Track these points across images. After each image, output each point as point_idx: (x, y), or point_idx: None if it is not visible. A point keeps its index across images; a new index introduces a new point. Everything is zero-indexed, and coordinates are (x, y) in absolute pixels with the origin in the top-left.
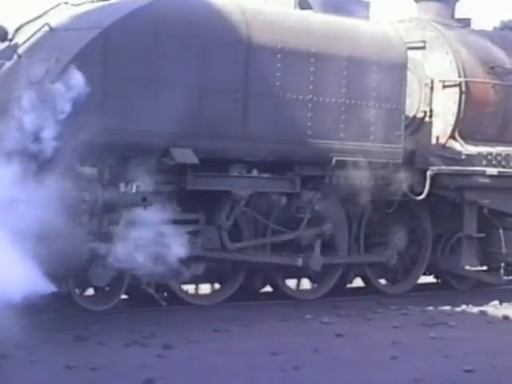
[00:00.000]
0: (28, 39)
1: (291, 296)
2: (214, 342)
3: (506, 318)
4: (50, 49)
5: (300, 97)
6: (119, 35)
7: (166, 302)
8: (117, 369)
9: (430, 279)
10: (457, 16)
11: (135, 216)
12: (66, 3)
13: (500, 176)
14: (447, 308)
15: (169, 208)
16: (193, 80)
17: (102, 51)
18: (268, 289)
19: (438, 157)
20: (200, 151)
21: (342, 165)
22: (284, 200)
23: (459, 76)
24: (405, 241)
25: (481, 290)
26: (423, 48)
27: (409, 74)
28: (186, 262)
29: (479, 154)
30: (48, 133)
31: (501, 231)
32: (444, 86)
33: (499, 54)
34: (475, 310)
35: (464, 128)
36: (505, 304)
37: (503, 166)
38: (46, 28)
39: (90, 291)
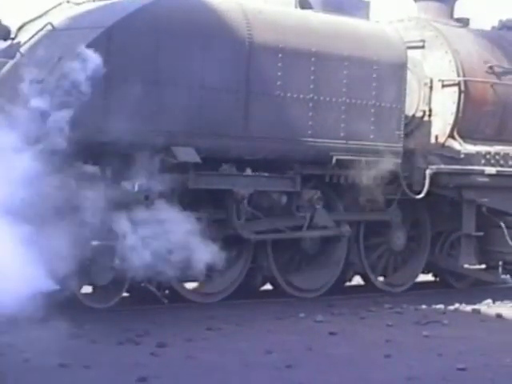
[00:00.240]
0: (31, 38)
1: (291, 294)
2: (208, 340)
3: (499, 316)
4: (52, 48)
5: (301, 96)
6: (122, 34)
7: (167, 300)
8: (110, 367)
9: (429, 278)
10: (455, 16)
11: (137, 214)
12: (68, 2)
13: (498, 175)
14: (441, 306)
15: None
16: (194, 79)
17: (105, 50)
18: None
19: (437, 156)
20: (201, 150)
21: (342, 164)
22: (284, 199)
23: (458, 75)
24: (404, 239)
25: (479, 289)
26: (422, 47)
27: (408, 73)
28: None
29: (478, 153)
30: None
31: (504, 229)
32: (443, 86)
33: (498, 54)
34: (468, 308)
35: (463, 127)
36: (498, 302)
37: (501, 165)
38: (49, 27)
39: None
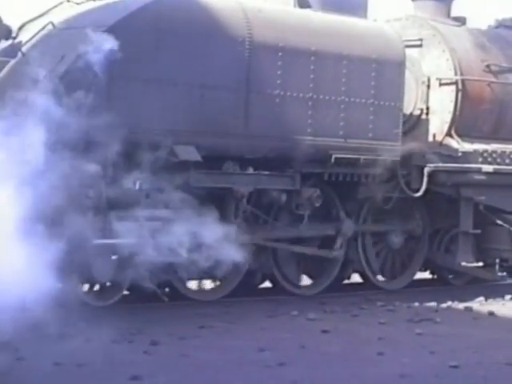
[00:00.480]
0: (32, 37)
1: (290, 292)
2: (201, 338)
3: (491, 313)
4: (54, 47)
5: (300, 95)
6: (123, 33)
7: (167, 298)
8: (103, 365)
9: (426, 275)
10: (452, 15)
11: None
12: (69, 1)
13: (496, 173)
14: (433, 304)
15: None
16: (195, 78)
17: (108, 49)
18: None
19: (435, 154)
20: (202, 149)
21: (341, 162)
22: (284, 197)
23: (456, 74)
24: (402, 237)
25: (471, 286)
26: (420, 46)
27: (406, 71)
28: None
29: (475, 152)
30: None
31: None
32: (440, 84)
33: (495, 52)
34: (461, 306)
35: (460, 125)
36: (490, 300)
37: (498, 163)
38: (50, 26)
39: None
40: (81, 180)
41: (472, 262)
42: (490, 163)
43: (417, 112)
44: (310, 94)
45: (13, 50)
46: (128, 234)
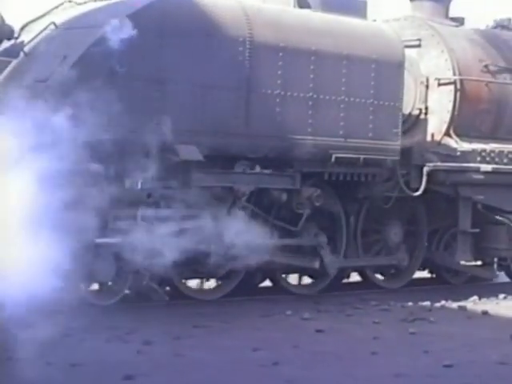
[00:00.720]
0: (34, 37)
1: (291, 291)
2: (195, 337)
3: (484, 313)
4: (56, 47)
5: (301, 94)
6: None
7: (168, 297)
8: (97, 365)
9: (425, 274)
10: (450, 15)
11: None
12: (70, 1)
13: (494, 172)
14: (427, 303)
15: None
16: (196, 78)
17: (109, 49)
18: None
19: (434, 153)
20: (203, 148)
21: (341, 161)
22: (284, 196)
23: (454, 74)
24: (401, 236)
25: (465, 286)
26: (418, 46)
27: (404, 72)
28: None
29: (474, 151)
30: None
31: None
32: (439, 84)
33: (493, 53)
34: (455, 305)
35: (459, 125)
36: (484, 299)
37: (496, 163)
38: (52, 26)
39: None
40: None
41: (471, 261)
42: (488, 163)
43: (415, 112)
44: (310, 94)
45: (15, 50)
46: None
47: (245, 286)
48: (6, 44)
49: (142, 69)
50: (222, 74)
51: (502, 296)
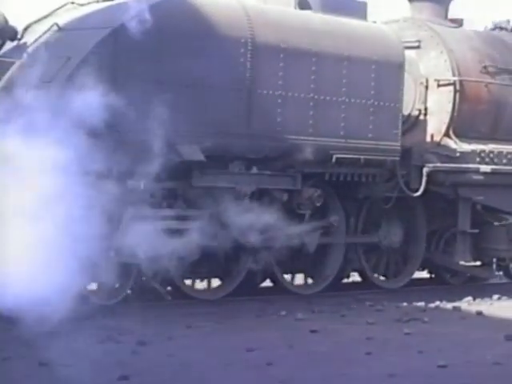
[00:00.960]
0: (38, 39)
1: (291, 291)
2: (189, 338)
3: (479, 313)
4: (60, 48)
5: (302, 95)
6: (129, 34)
7: (170, 297)
8: (91, 366)
9: (424, 274)
10: (449, 16)
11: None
12: (73, 3)
13: (493, 173)
14: (421, 304)
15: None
16: (198, 79)
17: (112, 50)
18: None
19: (434, 154)
20: (205, 148)
21: (341, 162)
22: (285, 196)
23: (453, 75)
24: (400, 236)
25: (459, 286)
26: (418, 47)
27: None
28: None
29: (473, 152)
30: None
31: None
32: (439, 85)
33: (492, 54)
34: (449, 305)
35: (458, 126)
36: (478, 300)
37: (496, 164)
38: (55, 27)
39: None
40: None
41: (470, 262)
42: (487, 163)
43: (415, 112)
44: (311, 95)
45: (18, 51)
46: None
47: (246, 286)
48: (10, 45)
49: (144, 69)
50: (224, 75)
51: (496, 296)
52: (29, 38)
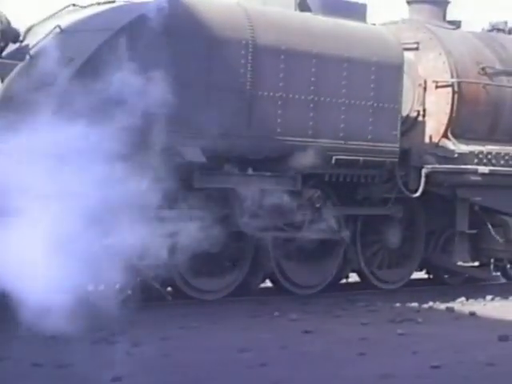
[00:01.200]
0: (40, 40)
1: (291, 291)
2: (183, 338)
3: (472, 314)
4: (62, 50)
5: (302, 97)
6: (132, 36)
7: (170, 297)
8: (84, 366)
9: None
10: (447, 18)
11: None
12: (74, 5)
13: (491, 174)
14: (415, 304)
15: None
16: (200, 80)
17: (116, 52)
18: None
19: (432, 155)
20: (206, 150)
21: (341, 163)
22: (285, 197)
23: (452, 77)
24: (399, 237)
25: (453, 287)
26: (416, 49)
27: None
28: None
29: (471, 153)
30: None
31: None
32: (437, 87)
33: (489, 55)
34: (442, 306)
35: (456, 127)
36: (471, 300)
37: (493, 165)
38: (58, 29)
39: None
40: None
41: (468, 262)
42: (485, 164)
43: (413, 114)
44: (312, 97)
45: (21, 53)
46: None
47: (246, 286)
48: (12, 47)
49: (145, 70)
50: (226, 76)
51: (489, 297)
52: (31, 40)
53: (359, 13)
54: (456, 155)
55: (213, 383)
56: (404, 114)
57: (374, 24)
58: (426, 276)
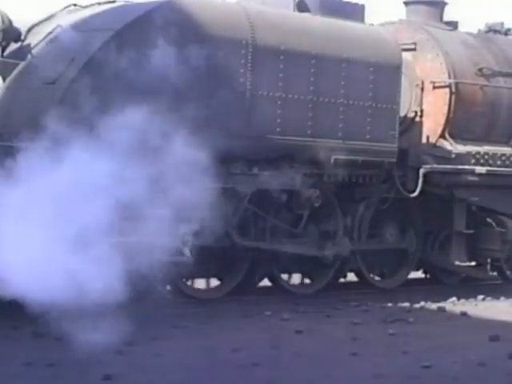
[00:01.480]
0: (42, 40)
1: (290, 291)
2: (175, 338)
3: (463, 314)
4: (64, 49)
5: (301, 97)
6: (133, 36)
7: (170, 297)
8: (75, 365)
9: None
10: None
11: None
12: (75, 5)
13: (488, 174)
14: (406, 304)
15: None
16: (201, 81)
17: (117, 52)
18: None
19: (430, 155)
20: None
21: (339, 163)
22: (285, 197)
23: (449, 77)
24: (396, 237)
25: (445, 287)
26: (414, 50)
27: None
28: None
29: (468, 153)
30: None
31: None
32: (434, 87)
33: (486, 56)
34: (434, 306)
35: (453, 128)
36: (462, 300)
37: (490, 165)
38: (59, 29)
39: None
40: None
41: (465, 262)
42: (482, 165)
43: (411, 114)
44: (311, 97)
45: (22, 53)
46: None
47: (245, 285)
48: (13, 46)
49: (146, 71)
50: (226, 76)
51: (480, 297)
52: (32, 40)
53: (357, 13)
54: (453, 155)
55: (205, 383)
56: (401, 114)
57: (372, 24)
58: (422, 276)
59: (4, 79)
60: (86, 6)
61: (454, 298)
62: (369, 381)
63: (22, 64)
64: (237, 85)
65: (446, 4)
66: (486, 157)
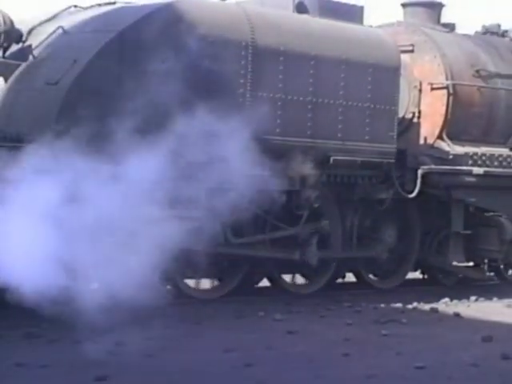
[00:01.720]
0: (43, 41)
1: (289, 291)
2: (167, 339)
3: (456, 315)
4: (66, 50)
5: (300, 98)
6: (135, 37)
7: (170, 296)
8: (68, 366)
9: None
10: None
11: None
12: (76, 6)
13: (485, 175)
14: (399, 305)
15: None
16: (202, 81)
17: (119, 52)
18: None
19: (427, 156)
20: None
21: (338, 164)
22: (284, 198)
23: (447, 79)
24: (394, 237)
25: (437, 287)
26: (412, 51)
27: None
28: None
29: (466, 154)
30: None
31: None
32: (432, 89)
33: (484, 58)
34: (427, 307)
35: (451, 129)
36: (455, 301)
37: (488, 166)
38: (60, 30)
39: None
40: None
41: (463, 262)
42: (479, 166)
43: (409, 115)
44: (310, 98)
45: (24, 54)
46: None
47: (244, 285)
48: (15, 47)
49: (147, 71)
50: (227, 77)
51: (473, 298)
52: (33, 41)
53: (356, 15)
54: (451, 156)
55: (197, 383)
56: (400, 115)
57: (371, 26)
58: (420, 276)
59: (6, 80)
60: (86, 8)
61: (447, 299)
62: (362, 381)
63: (24, 65)
64: (237, 86)
65: (443, 6)
66: (484, 158)
